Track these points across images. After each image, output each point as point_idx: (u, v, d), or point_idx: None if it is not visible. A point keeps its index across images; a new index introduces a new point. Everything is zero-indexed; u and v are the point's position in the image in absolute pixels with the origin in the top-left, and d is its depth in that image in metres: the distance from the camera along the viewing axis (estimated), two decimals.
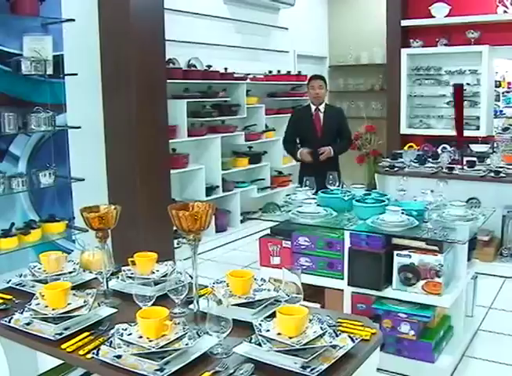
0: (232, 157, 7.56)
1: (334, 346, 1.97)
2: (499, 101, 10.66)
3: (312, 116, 5.83)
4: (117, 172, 5.50)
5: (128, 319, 2.13)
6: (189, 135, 6.55)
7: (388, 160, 6.61)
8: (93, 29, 5.29)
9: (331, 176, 4.30)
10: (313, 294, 3.67)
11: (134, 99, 5.27)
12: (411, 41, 8.58)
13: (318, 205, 4.01)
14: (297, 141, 5.99)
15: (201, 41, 7.12)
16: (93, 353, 1.99)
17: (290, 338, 1.95)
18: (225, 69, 7.21)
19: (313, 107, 5.86)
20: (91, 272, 2.72)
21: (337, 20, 9.78)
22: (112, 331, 2.07)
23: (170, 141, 5.90)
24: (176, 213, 2.09)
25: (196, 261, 2.23)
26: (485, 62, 7.98)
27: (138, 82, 5.29)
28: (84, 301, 2.32)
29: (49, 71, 4.62)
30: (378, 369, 3.57)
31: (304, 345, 1.91)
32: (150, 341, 1.97)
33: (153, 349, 1.92)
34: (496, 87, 9.66)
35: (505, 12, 7.96)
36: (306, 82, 6.21)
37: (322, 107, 5.86)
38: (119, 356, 1.96)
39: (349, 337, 2.04)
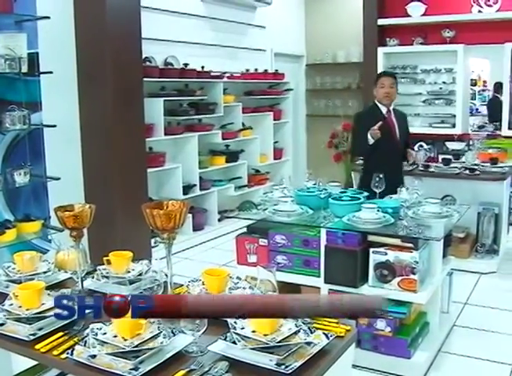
0: (209, 155, 7.55)
1: (309, 343, 1.98)
2: (475, 99, 10.78)
3: (385, 118, 5.10)
4: (94, 171, 5.46)
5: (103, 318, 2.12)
6: (165, 134, 6.54)
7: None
8: (69, 26, 5.24)
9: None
10: (290, 292, 3.68)
11: (110, 98, 5.24)
12: (387, 39, 8.63)
13: (294, 203, 4.02)
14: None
15: (178, 39, 7.11)
16: (67, 353, 1.97)
17: (265, 335, 1.95)
18: (202, 67, 7.20)
19: (384, 109, 5.14)
20: (66, 272, 2.69)
21: (313, 19, 9.81)
22: (86, 331, 2.05)
23: (146, 140, 5.88)
24: (150, 212, 2.08)
25: (171, 259, 2.22)
26: (461, 61, 8.05)
27: (114, 80, 5.25)
28: None
29: (24, 69, 4.57)
30: (355, 365, 3.64)
31: (279, 342, 1.92)
32: (125, 340, 1.96)
33: (128, 348, 1.91)
34: (472, 85, 9.76)
35: (479, 11, 8.03)
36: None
37: (392, 108, 5.23)
38: (93, 356, 1.95)
39: (324, 334, 2.05)
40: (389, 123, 5.11)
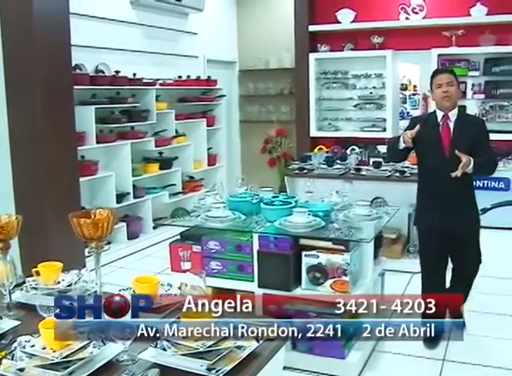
0: (142, 163, 7.47)
1: (239, 347, 2.00)
2: (405, 103, 11.04)
3: (439, 127, 4.10)
4: (24, 181, 5.35)
5: (33, 330, 2.08)
6: (97, 142, 6.43)
7: (298, 162, 6.71)
8: None
9: None
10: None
11: (39, 106, 5.16)
12: (318, 45, 8.78)
13: (226, 209, 4.03)
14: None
15: (109, 46, 7.02)
16: None
17: (195, 341, 1.96)
18: (134, 74, 7.13)
19: (440, 115, 4.11)
20: None
21: (245, 25, 9.87)
22: (14, 344, 2.02)
23: (78, 148, 5.80)
24: (77, 221, 2.07)
25: (100, 268, 2.22)
26: (389, 66, 8.27)
27: (43, 88, 5.17)
28: None
29: None
30: (291, 368, 3.68)
31: (209, 347, 1.94)
32: (54, 351, 1.94)
33: (57, 360, 1.90)
34: (403, 90, 10.00)
35: (407, 18, 8.27)
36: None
37: (452, 115, 4.09)
38: (22, 369, 1.91)
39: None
40: (440, 133, 4.10)
